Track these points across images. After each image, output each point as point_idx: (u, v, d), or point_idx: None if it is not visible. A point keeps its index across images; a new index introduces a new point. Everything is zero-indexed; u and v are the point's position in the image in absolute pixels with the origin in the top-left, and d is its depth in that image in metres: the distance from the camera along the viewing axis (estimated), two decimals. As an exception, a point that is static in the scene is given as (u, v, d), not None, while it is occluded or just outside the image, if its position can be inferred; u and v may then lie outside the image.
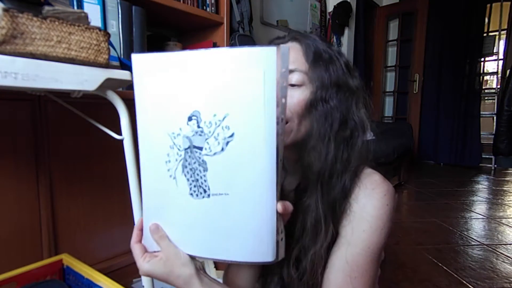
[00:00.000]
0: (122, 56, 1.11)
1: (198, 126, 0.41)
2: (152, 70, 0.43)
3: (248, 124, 0.38)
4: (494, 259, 1.61)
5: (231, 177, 0.40)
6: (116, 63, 0.80)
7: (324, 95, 0.55)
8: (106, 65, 0.64)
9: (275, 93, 0.37)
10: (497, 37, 4.10)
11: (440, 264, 1.55)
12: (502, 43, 4.09)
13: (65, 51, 0.58)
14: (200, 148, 0.41)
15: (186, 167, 0.43)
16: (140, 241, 0.49)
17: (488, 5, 3.99)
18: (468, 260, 1.60)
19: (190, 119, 0.41)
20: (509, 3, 3.90)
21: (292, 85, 0.55)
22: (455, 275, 1.44)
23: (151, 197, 0.47)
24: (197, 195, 0.42)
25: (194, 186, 0.42)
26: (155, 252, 0.48)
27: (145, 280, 0.75)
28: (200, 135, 0.41)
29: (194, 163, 0.42)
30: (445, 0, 4.07)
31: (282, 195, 0.57)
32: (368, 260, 0.53)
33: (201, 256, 0.46)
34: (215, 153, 0.40)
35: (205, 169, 0.41)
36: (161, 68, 0.42)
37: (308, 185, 0.55)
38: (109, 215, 1.20)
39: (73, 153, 1.10)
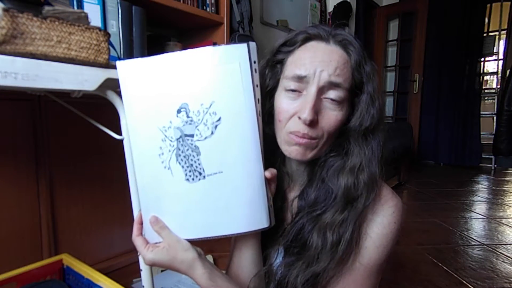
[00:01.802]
0: (122, 56, 1.11)
1: (188, 116, 0.45)
2: (136, 74, 0.47)
3: (232, 108, 0.45)
4: (494, 259, 1.61)
5: (223, 156, 0.46)
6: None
7: (374, 125, 0.52)
8: (106, 65, 0.64)
9: (250, 80, 0.44)
10: (497, 37, 4.10)
11: (440, 264, 1.55)
12: (502, 43, 4.09)
13: (65, 51, 0.58)
14: (192, 136, 0.46)
15: (179, 155, 0.46)
16: (141, 234, 0.51)
17: (488, 5, 3.98)
18: (468, 260, 1.60)
19: (179, 111, 0.46)
20: (509, 3, 3.90)
21: (333, 101, 0.50)
22: (455, 275, 1.44)
23: (147, 190, 0.49)
24: (193, 179, 0.47)
25: (190, 171, 0.46)
26: (156, 243, 0.50)
27: (145, 280, 0.75)
28: (190, 124, 0.45)
29: (187, 150, 0.46)
30: (445, 0, 4.07)
31: (285, 201, 0.59)
32: (365, 276, 0.52)
33: (202, 237, 0.49)
34: (206, 137, 0.45)
35: (198, 154, 0.46)
36: (145, 71, 0.46)
37: (319, 198, 0.52)
38: (109, 215, 1.20)
39: (73, 153, 1.10)
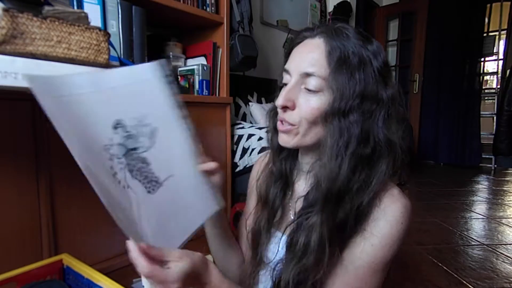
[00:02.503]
0: (122, 56, 1.11)
1: (126, 131, 0.46)
2: (55, 93, 0.43)
3: (161, 116, 0.48)
4: (494, 259, 1.61)
5: (168, 160, 0.49)
6: (116, 63, 0.80)
7: (343, 108, 0.49)
8: (106, 65, 0.64)
9: (168, 90, 0.47)
10: (497, 37, 4.10)
11: (440, 264, 1.55)
12: (502, 43, 4.09)
13: (65, 51, 0.58)
14: (136, 148, 0.47)
15: (132, 170, 0.47)
16: (155, 264, 0.43)
17: (488, 5, 3.99)
18: (468, 260, 1.60)
19: (115, 127, 0.46)
20: (509, 3, 3.90)
21: (309, 90, 0.51)
22: (455, 275, 1.44)
23: (126, 224, 0.45)
24: (153, 189, 0.48)
25: (147, 183, 0.48)
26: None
27: (145, 280, 0.75)
28: (130, 138, 0.46)
29: (137, 163, 0.47)
30: (445, 0, 4.07)
31: (293, 192, 0.63)
32: (370, 273, 0.52)
33: (182, 242, 0.51)
34: (149, 147, 0.48)
35: (149, 164, 0.48)
36: (64, 91, 0.43)
37: (317, 200, 0.52)
38: (109, 215, 1.20)
39: (73, 153, 1.10)
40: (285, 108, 0.53)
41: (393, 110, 0.51)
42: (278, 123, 0.56)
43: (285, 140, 0.55)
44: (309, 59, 0.52)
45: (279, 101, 0.53)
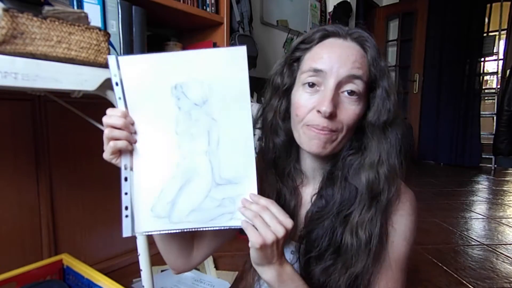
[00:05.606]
0: (122, 56, 1.11)
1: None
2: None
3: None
4: (494, 259, 1.61)
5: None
6: (116, 63, 0.80)
7: (391, 119, 0.52)
8: (106, 65, 0.64)
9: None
10: (497, 37, 4.10)
11: (440, 264, 1.55)
12: (502, 43, 4.09)
13: (65, 51, 0.58)
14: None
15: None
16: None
17: (488, 5, 3.98)
18: (468, 260, 1.60)
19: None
20: (509, 3, 3.90)
21: (352, 92, 0.50)
22: (455, 275, 1.44)
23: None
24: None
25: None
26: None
27: (145, 280, 0.75)
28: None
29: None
30: (445, 0, 4.07)
31: (298, 197, 0.60)
32: (398, 270, 0.53)
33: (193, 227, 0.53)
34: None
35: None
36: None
37: (345, 197, 0.53)
38: (109, 215, 1.20)
39: (73, 153, 1.10)
40: (331, 115, 0.49)
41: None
42: (312, 128, 0.50)
43: (321, 146, 0.51)
44: (352, 61, 0.50)
45: (327, 107, 0.47)
